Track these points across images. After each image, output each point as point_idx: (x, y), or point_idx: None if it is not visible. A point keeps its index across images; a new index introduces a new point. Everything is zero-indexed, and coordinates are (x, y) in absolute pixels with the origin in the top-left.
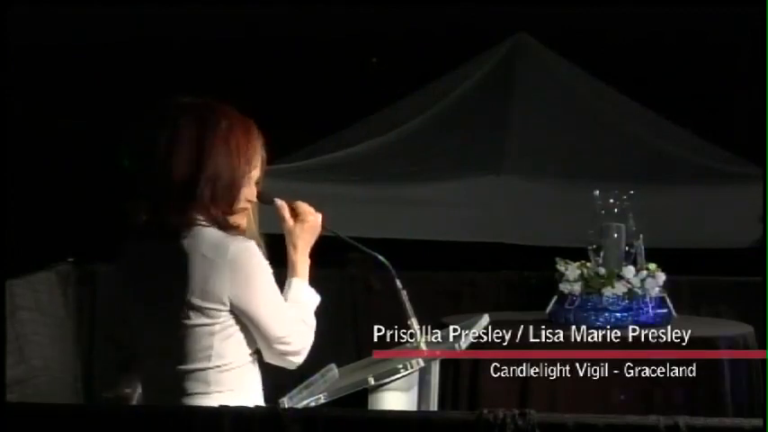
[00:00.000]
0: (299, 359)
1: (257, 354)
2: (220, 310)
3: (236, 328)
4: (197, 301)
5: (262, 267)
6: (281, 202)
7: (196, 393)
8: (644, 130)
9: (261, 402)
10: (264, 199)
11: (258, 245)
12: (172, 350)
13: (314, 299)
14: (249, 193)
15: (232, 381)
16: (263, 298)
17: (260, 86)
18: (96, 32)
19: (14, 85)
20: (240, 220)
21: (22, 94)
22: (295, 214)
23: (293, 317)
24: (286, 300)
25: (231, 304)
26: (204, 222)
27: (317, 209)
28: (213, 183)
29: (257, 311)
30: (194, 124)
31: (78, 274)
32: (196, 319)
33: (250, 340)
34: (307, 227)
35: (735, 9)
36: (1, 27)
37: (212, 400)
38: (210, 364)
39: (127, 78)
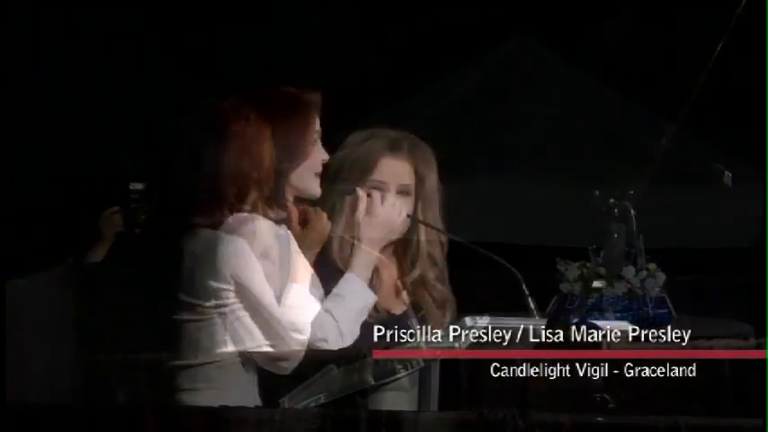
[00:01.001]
0: (287, 365)
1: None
2: (205, 307)
3: (223, 326)
4: (184, 297)
5: (250, 267)
6: (290, 207)
7: (185, 389)
8: (644, 131)
9: (257, 402)
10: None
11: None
12: (166, 346)
13: (314, 306)
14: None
15: (220, 378)
16: (247, 299)
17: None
18: (96, 31)
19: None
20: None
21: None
22: (305, 220)
23: (285, 322)
24: (284, 305)
25: (215, 302)
26: (208, 221)
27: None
28: (234, 183)
29: (240, 312)
30: (221, 125)
31: (78, 275)
32: (183, 315)
33: (238, 339)
34: (314, 234)
35: (736, 9)
36: (1, 27)
37: (200, 396)
38: (197, 361)
39: (126, 77)
